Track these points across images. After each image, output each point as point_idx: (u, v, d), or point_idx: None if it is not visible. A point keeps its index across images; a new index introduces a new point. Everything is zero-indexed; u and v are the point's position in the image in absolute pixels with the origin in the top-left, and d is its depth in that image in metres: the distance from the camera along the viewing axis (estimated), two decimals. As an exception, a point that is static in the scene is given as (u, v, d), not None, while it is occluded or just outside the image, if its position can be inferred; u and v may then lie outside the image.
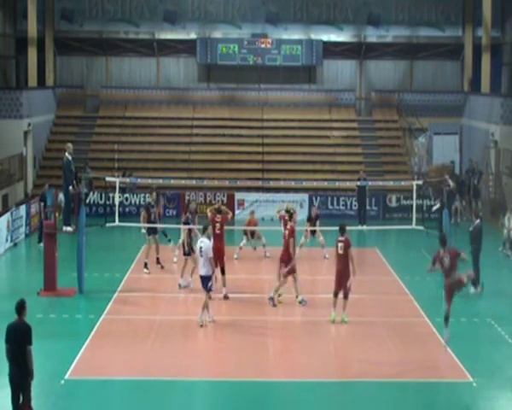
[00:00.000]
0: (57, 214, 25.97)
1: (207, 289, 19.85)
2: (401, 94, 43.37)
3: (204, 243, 19.93)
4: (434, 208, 30.18)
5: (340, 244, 20.23)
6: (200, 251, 19.89)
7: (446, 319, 18.20)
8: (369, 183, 33.92)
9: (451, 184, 30.34)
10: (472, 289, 23.40)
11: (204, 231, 20.43)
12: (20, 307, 13.57)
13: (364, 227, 32.84)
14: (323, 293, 22.15)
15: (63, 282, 23.27)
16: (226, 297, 22.39)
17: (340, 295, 20.25)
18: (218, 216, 22.95)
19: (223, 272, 22.53)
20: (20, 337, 13.37)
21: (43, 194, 30.44)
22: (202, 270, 19.89)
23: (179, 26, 43.67)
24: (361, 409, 15.91)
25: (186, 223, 24.04)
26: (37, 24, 40.43)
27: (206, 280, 19.83)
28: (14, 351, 13.40)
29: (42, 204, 29.87)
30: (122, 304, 22.19)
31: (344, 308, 20.21)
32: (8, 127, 36.42)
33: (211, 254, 19.86)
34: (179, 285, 23.58)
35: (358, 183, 33.98)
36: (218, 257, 22.07)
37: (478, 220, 24.07)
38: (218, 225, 22.65)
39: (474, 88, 42.02)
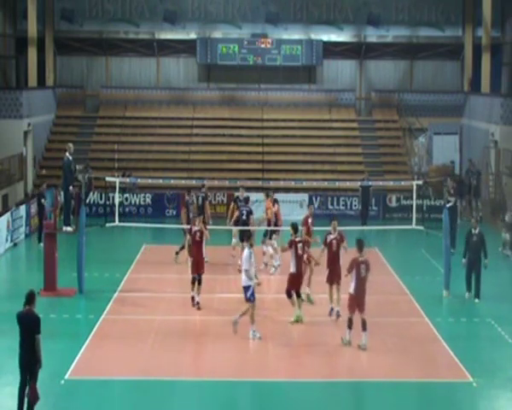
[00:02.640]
0: (57, 212, 25.96)
1: (247, 299, 19.24)
2: (401, 94, 43.38)
3: (243, 252, 19.55)
4: (448, 205, 28.81)
5: (299, 245, 20.36)
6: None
7: (351, 323, 18.58)
8: (370, 183, 33.90)
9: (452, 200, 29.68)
10: (474, 299, 23.10)
11: (248, 239, 19.66)
12: (30, 297, 14.16)
13: (365, 227, 32.70)
14: (322, 293, 22.10)
15: (63, 282, 23.27)
16: (198, 305, 21.42)
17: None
18: (195, 226, 21.93)
19: (199, 281, 21.45)
20: (29, 326, 13.94)
21: (41, 193, 30.47)
22: (242, 280, 19.40)
23: (179, 26, 43.68)
24: (361, 409, 15.91)
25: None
26: (37, 24, 40.43)
27: (245, 290, 19.25)
28: (24, 339, 13.96)
29: (42, 202, 29.90)
30: (122, 304, 22.19)
31: (299, 306, 20.33)
32: (8, 127, 36.41)
33: (245, 267, 19.20)
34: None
35: (360, 183, 33.98)
36: (198, 266, 21.37)
37: (478, 228, 23.04)
38: (198, 233, 21.65)
39: (474, 88, 42.03)
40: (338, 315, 20.63)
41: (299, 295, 20.30)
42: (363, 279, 18.61)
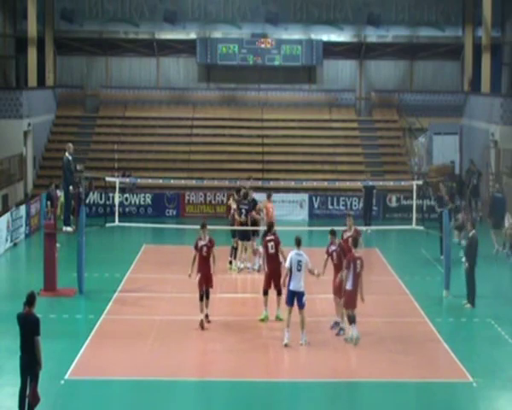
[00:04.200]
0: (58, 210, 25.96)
1: (302, 306, 18.80)
2: (401, 94, 43.40)
3: (303, 257, 18.82)
4: (449, 207, 28.53)
5: (269, 244, 20.42)
6: (299, 265, 18.66)
7: (354, 319, 18.66)
8: (371, 183, 33.84)
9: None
10: (468, 305, 22.80)
11: (298, 243, 19.08)
12: (30, 299, 14.09)
13: (369, 229, 32.32)
14: (323, 293, 22.09)
15: (63, 282, 23.27)
16: (207, 317, 20.32)
17: (273, 293, 20.50)
18: (202, 240, 20.24)
19: (207, 296, 20.21)
20: (28, 328, 13.91)
21: (50, 193, 30.50)
22: (297, 285, 18.64)
23: (179, 26, 43.67)
24: (361, 409, 15.91)
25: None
26: (37, 24, 40.44)
27: (301, 295, 18.77)
28: (24, 340, 13.94)
29: (48, 203, 29.90)
30: (122, 304, 22.19)
31: (278, 305, 20.32)
32: (8, 127, 36.41)
33: (310, 266, 18.99)
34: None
35: (363, 184, 33.91)
36: (206, 281, 20.09)
37: (473, 231, 22.54)
38: (205, 248, 20.08)
39: (474, 88, 42.03)
40: (340, 332, 19.60)
41: (279, 293, 20.33)
42: (358, 275, 18.75)
